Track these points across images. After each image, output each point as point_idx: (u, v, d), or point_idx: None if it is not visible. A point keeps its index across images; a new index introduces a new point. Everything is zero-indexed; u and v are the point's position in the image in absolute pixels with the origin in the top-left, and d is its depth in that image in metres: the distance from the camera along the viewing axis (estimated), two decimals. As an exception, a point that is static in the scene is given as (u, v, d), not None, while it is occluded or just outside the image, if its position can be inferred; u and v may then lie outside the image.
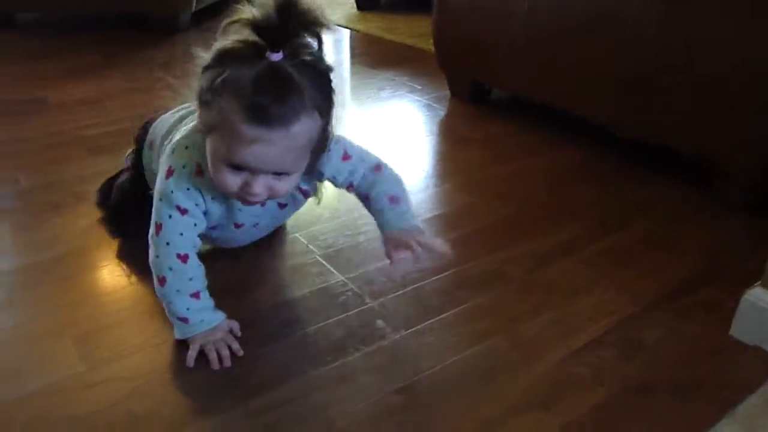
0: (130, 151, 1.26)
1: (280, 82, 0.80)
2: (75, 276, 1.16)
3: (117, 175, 1.30)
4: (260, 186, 0.87)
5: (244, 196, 0.89)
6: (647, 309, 1.08)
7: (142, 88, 2.12)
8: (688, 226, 1.33)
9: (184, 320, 0.96)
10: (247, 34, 0.82)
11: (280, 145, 0.83)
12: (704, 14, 1.32)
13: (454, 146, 1.79)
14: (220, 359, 0.94)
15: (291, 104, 0.81)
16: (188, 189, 0.94)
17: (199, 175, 0.94)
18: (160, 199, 0.95)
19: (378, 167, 1.05)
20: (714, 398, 0.90)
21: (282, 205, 1.06)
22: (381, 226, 1.04)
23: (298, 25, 0.82)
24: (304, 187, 1.03)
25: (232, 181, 0.87)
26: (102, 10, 2.83)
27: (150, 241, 0.97)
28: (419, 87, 2.17)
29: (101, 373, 0.93)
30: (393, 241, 1.00)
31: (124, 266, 1.17)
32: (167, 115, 1.14)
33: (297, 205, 1.10)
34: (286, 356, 0.97)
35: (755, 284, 0.99)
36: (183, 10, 2.68)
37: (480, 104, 2.00)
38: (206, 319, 0.97)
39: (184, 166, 0.94)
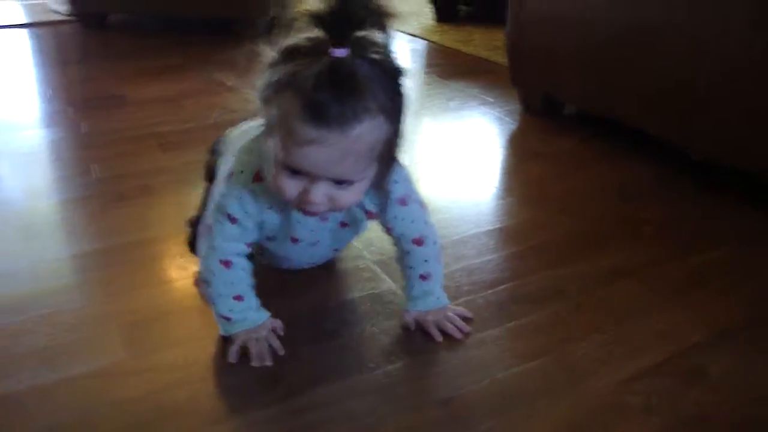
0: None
1: (342, 80, 0.73)
2: (132, 266, 1.18)
3: None
4: (319, 194, 0.80)
5: (302, 205, 0.83)
6: (713, 338, 1.01)
7: (217, 90, 2.16)
8: (766, 254, 1.24)
9: (227, 319, 0.96)
10: (313, 30, 0.77)
11: (337, 147, 0.75)
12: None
13: (523, 160, 1.74)
14: (261, 356, 0.94)
15: (351, 104, 0.74)
16: (241, 197, 0.91)
17: (257, 180, 0.90)
18: (216, 202, 0.94)
19: (419, 241, 1.01)
20: (779, 440, 0.83)
21: (343, 224, 1.01)
22: (405, 295, 1.05)
23: (361, 16, 0.75)
24: (370, 209, 0.97)
25: (291, 187, 0.81)
26: (186, 13, 2.92)
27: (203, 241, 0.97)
28: (491, 100, 2.13)
29: (144, 362, 0.94)
30: (413, 319, 1.03)
31: (179, 260, 1.19)
32: (240, 125, 1.10)
33: (359, 227, 1.05)
34: (329, 359, 0.96)
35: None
36: (260, 17, 2.73)
37: (552, 119, 1.95)
38: (249, 318, 0.97)
39: (242, 171, 0.91)
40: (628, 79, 1.61)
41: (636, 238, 1.30)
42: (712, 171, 1.52)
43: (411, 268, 1.03)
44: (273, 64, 0.79)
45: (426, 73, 2.54)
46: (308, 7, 0.76)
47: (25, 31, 2.96)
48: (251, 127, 1.03)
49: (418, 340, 1.00)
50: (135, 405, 0.87)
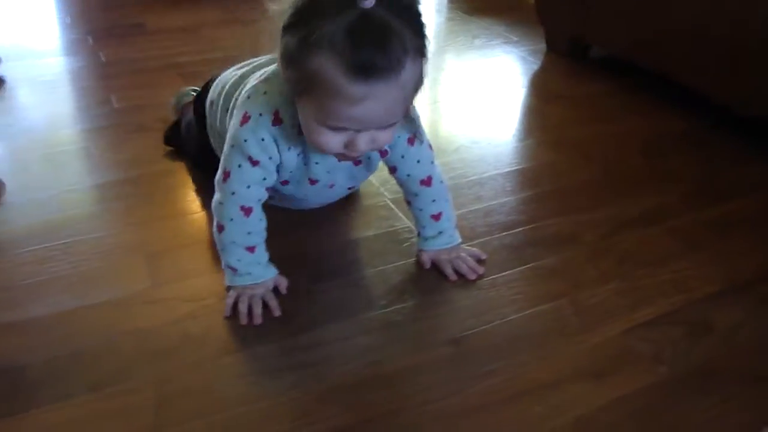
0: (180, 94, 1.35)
1: (378, 31, 0.71)
2: (152, 196, 1.20)
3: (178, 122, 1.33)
4: (364, 142, 0.81)
5: (347, 154, 0.84)
6: (726, 291, 1.01)
7: (239, 20, 2.14)
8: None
9: (233, 269, 0.95)
10: None
11: (389, 97, 0.76)
12: None
13: (545, 102, 1.71)
14: (252, 315, 0.92)
15: (395, 54, 0.72)
16: (263, 140, 0.88)
17: (276, 122, 0.88)
18: (232, 146, 0.90)
19: (426, 181, 1.01)
20: (786, 392, 0.84)
21: (357, 162, 0.99)
22: (419, 235, 1.06)
23: None
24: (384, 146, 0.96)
25: (335, 141, 0.81)
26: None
27: (216, 185, 0.94)
28: (515, 38, 2.09)
29: (164, 291, 0.97)
30: (429, 258, 1.04)
31: (200, 192, 1.20)
32: (227, 72, 1.08)
33: (372, 164, 1.03)
34: (341, 296, 0.97)
35: None
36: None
37: (577, 62, 1.91)
38: (254, 273, 0.95)
39: (261, 114, 0.88)
40: (665, 22, 1.54)
41: (657, 187, 1.28)
42: (744, 127, 1.49)
43: (421, 210, 1.03)
44: (291, 24, 0.76)
45: (450, 8, 2.48)
46: None
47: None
48: (242, 72, 1.02)
49: (432, 279, 1.02)
50: (150, 334, 0.89)
